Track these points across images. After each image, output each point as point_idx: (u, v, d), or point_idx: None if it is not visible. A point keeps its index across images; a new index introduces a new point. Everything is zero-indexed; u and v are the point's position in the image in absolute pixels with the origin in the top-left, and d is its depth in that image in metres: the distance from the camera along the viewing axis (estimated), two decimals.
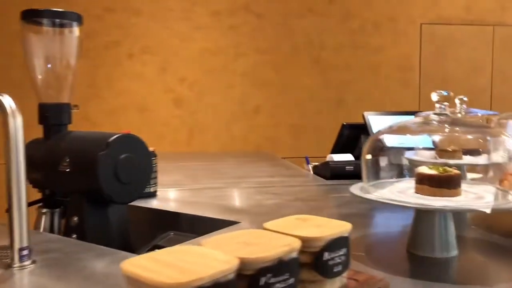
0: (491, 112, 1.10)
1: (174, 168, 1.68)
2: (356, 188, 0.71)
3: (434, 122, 0.74)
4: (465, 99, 1.25)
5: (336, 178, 1.50)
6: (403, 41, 3.64)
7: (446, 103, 0.73)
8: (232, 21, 3.37)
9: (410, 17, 3.65)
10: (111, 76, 3.27)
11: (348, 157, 1.58)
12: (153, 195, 1.19)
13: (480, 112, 1.09)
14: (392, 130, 0.74)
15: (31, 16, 1.05)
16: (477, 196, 0.77)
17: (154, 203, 1.12)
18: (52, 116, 1.11)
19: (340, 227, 0.49)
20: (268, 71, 3.43)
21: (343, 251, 0.49)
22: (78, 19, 1.11)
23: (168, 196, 1.20)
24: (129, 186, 0.90)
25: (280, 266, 0.41)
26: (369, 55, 3.57)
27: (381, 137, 0.73)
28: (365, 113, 1.54)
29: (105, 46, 3.24)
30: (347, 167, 1.51)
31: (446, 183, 0.72)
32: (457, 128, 0.76)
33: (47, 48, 1.10)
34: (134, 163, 0.91)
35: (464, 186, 0.77)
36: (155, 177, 1.21)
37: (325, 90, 3.51)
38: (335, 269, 0.48)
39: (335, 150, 1.71)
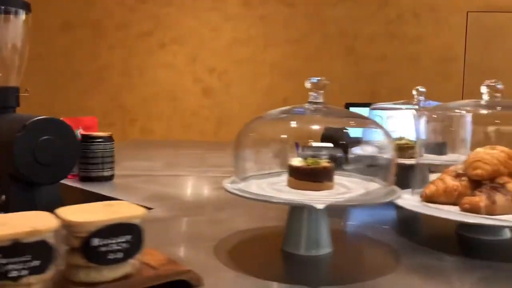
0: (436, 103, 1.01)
1: (166, 156, 1.70)
2: (228, 181, 0.68)
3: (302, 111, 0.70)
4: (422, 89, 1.17)
5: None
6: (446, 30, 3.43)
7: None
8: (263, 11, 3.35)
9: (455, 5, 3.43)
10: (144, 66, 3.36)
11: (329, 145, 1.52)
12: (109, 179, 1.22)
13: (433, 104, 1.01)
14: (266, 120, 0.70)
15: None
16: (346, 191, 0.72)
17: (93, 186, 1.15)
18: None
19: (125, 213, 0.47)
20: (298, 62, 3.37)
21: (125, 238, 0.47)
22: (24, 6, 1.14)
23: (119, 181, 1.21)
24: (50, 168, 0.92)
25: (16, 248, 0.40)
26: (406, 45, 3.41)
27: (253, 126, 0.70)
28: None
29: (138, 36, 3.34)
30: None
31: (312, 176, 0.67)
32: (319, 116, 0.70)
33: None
34: (55, 146, 0.93)
35: (344, 179, 0.72)
36: (111, 162, 1.23)
37: (357, 82, 3.40)
38: (110, 256, 0.46)
39: None
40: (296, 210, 0.70)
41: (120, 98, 3.33)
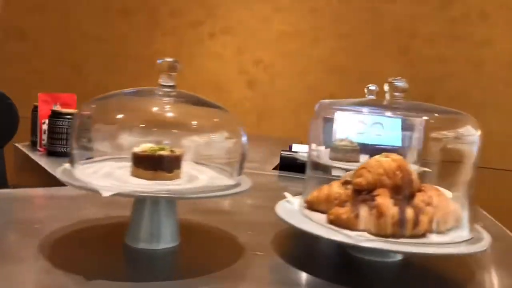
0: None
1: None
2: (60, 169, 0.65)
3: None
4: (372, 88, 1.08)
5: (286, 169, 1.39)
6: None
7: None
8: (314, 3, 3.24)
9: None
10: (193, 54, 3.42)
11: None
12: (65, 155, 1.26)
13: None
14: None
15: None
16: (189, 180, 0.68)
17: (56, 161, 1.20)
18: None
19: None
20: (346, 58, 3.22)
21: None
22: None
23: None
24: None
25: None
26: (471, 48, 3.12)
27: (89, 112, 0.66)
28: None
29: (189, 24, 3.40)
30: (299, 159, 1.37)
31: (145, 163, 0.63)
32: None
33: None
34: None
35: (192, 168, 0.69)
36: (65, 139, 1.26)
37: (411, 84, 3.17)
38: None
39: None
40: (138, 201, 0.67)
41: None
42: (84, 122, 0.64)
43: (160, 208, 0.67)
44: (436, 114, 0.78)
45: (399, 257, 0.72)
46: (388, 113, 0.82)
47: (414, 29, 3.14)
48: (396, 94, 0.73)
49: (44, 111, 1.42)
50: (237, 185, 0.69)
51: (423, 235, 0.66)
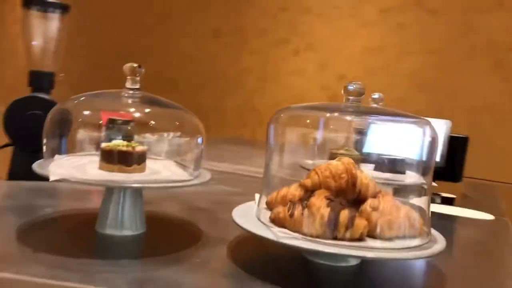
0: None
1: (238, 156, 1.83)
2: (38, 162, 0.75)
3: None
4: (375, 96, 1.07)
5: None
6: None
7: None
8: (401, 18, 3.14)
9: None
10: (278, 72, 3.51)
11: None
12: None
13: None
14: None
15: (28, 4, 1.39)
16: (152, 172, 0.75)
17: None
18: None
19: None
20: (435, 74, 3.06)
21: None
22: (60, 6, 1.41)
23: None
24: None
25: None
26: None
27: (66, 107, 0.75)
28: None
29: (275, 43, 3.50)
30: None
31: (121, 159, 0.72)
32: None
33: (36, 27, 1.43)
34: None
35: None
36: None
37: (508, 101, 2.92)
38: None
39: None
40: (107, 191, 0.75)
41: (254, 101, 3.54)
42: (60, 118, 0.74)
43: (126, 199, 0.74)
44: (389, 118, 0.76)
45: (353, 262, 0.71)
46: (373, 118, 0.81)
47: (510, 43, 2.89)
48: (351, 98, 0.73)
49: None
50: (194, 178, 0.75)
51: (361, 239, 0.64)
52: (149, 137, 0.75)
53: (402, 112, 0.74)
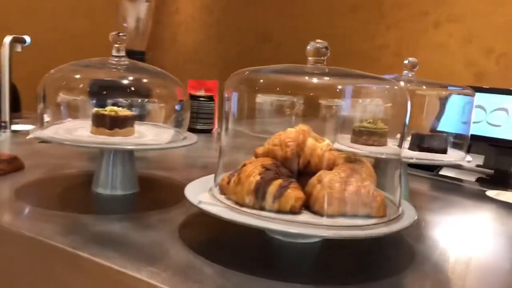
0: None
1: None
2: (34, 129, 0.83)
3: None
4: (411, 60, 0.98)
5: None
6: None
7: None
8: None
9: None
10: (416, 46, 3.21)
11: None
12: (207, 131, 1.57)
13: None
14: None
15: None
16: (138, 136, 0.80)
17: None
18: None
19: None
20: None
21: None
22: None
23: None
24: None
25: None
26: None
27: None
28: None
29: (413, 15, 3.20)
30: None
31: (113, 123, 0.79)
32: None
33: (130, 10, 1.60)
34: None
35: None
36: (210, 118, 1.56)
37: None
38: None
39: None
40: (100, 155, 0.82)
41: None
42: (52, 87, 0.81)
43: (117, 160, 0.80)
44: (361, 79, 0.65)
45: (317, 238, 0.65)
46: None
47: None
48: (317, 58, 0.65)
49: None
50: (180, 140, 0.78)
51: (293, 212, 0.58)
52: (132, 102, 0.79)
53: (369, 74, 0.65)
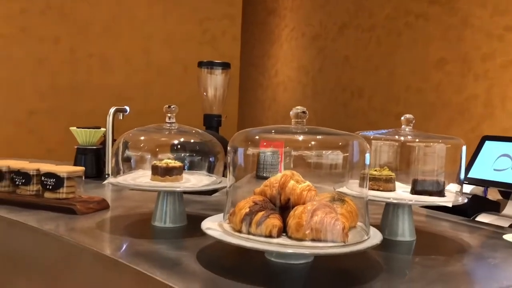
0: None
1: None
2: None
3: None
4: (408, 116, 1.13)
5: None
6: None
7: None
8: None
9: None
10: (506, 96, 3.13)
11: None
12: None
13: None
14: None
15: (202, 65, 1.91)
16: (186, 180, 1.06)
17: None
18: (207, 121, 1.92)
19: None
20: None
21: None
22: (223, 65, 1.92)
23: None
24: None
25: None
26: None
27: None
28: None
29: (502, 65, 3.14)
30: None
31: (165, 172, 1.06)
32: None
33: (208, 81, 1.94)
34: None
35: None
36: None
37: None
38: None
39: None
40: (158, 196, 1.08)
41: (481, 128, 3.27)
42: (123, 146, 1.10)
43: (168, 200, 1.06)
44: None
45: (309, 259, 0.82)
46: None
47: None
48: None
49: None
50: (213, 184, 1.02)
51: (271, 236, 0.77)
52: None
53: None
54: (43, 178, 1.18)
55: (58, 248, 1.00)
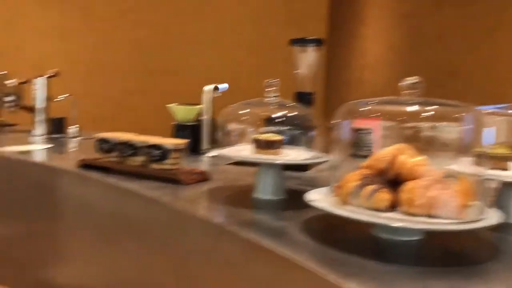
0: None
1: None
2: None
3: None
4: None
5: None
6: None
7: None
8: None
9: None
10: None
11: None
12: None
13: None
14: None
15: (294, 43, 1.90)
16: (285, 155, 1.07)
17: None
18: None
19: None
20: None
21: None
22: (315, 41, 1.89)
23: None
24: None
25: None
26: None
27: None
28: None
29: None
30: None
31: (267, 145, 1.08)
32: None
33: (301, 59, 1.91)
34: None
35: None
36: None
37: None
38: None
39: None
40: (260, 169, 1.10)
41: None
42: (222, 122, 1.12)
43: (269, 173, 1.07)
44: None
45: (416, 236, 0.79)
46: None
47: None
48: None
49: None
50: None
51: (380, 210, 0.75)
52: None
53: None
54: (150, 150, 1.24)
55: (166, 215, 1.06)
